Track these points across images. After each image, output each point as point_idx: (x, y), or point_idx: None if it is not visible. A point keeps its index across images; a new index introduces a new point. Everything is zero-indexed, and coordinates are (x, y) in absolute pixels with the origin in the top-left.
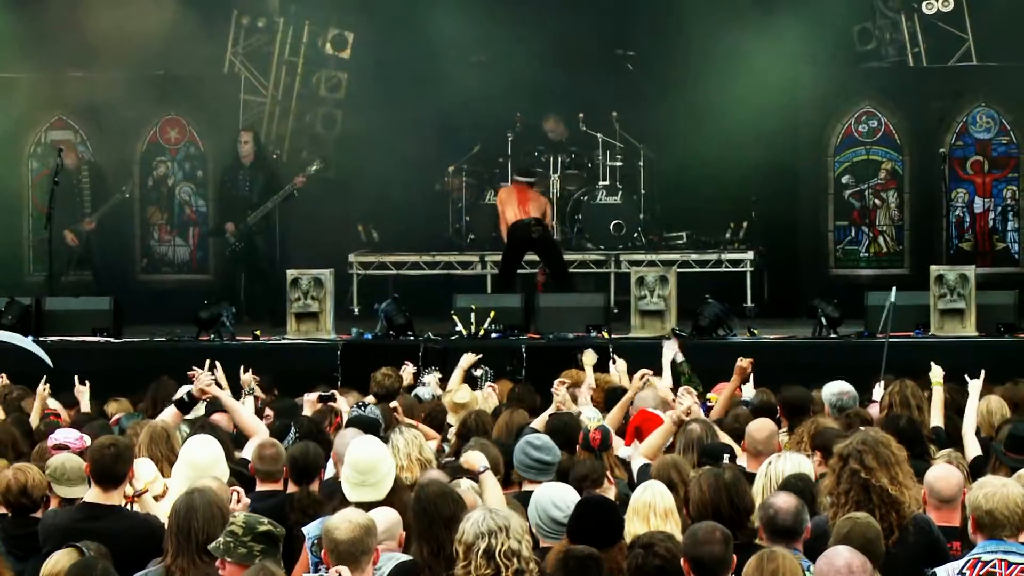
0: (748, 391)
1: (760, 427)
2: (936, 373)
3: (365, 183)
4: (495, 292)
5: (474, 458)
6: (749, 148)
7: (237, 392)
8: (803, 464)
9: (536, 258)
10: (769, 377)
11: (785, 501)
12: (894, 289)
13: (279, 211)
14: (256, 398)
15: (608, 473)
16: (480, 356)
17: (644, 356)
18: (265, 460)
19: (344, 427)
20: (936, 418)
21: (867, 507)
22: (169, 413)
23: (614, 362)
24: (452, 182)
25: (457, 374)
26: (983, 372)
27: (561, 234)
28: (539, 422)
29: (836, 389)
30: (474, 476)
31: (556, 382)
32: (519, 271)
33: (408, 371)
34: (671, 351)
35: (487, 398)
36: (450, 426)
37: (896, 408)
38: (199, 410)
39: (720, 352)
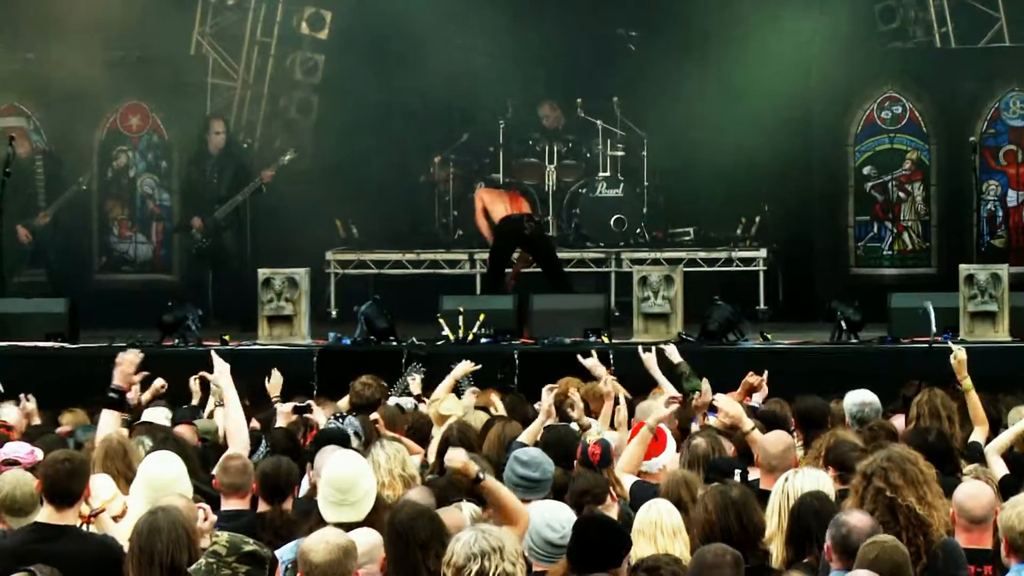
0: (756, 397)
1: (775, 441)
2: (958, 359)
3: (344, 174)
4: (485, 293)
5: (459, 458)
6: (762, 136)
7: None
8: (822, 480)
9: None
10: (783, 386)
11: (860, 519)
12: (929, 304)
13: (249, 205)
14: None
15: (611, 489)
16: (479, 367)
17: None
18: (230, 472)
19: (311, 443)
20: (977, 432)
21: (893, 529)
22: (109, 418)
23: (585, 356)
24: (438, 173)
25: (447, 382)
26: None
27: (557, 230)
28: (528, 434)
29: (858, 399)
30: (472, 495)
31: (546, 388)
32: (509, 270)
33: (416, 381)
34: (652, 360)
35: (492, 407)
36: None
37: (924, 420)
38: (161, 417)
39: (730, 359)
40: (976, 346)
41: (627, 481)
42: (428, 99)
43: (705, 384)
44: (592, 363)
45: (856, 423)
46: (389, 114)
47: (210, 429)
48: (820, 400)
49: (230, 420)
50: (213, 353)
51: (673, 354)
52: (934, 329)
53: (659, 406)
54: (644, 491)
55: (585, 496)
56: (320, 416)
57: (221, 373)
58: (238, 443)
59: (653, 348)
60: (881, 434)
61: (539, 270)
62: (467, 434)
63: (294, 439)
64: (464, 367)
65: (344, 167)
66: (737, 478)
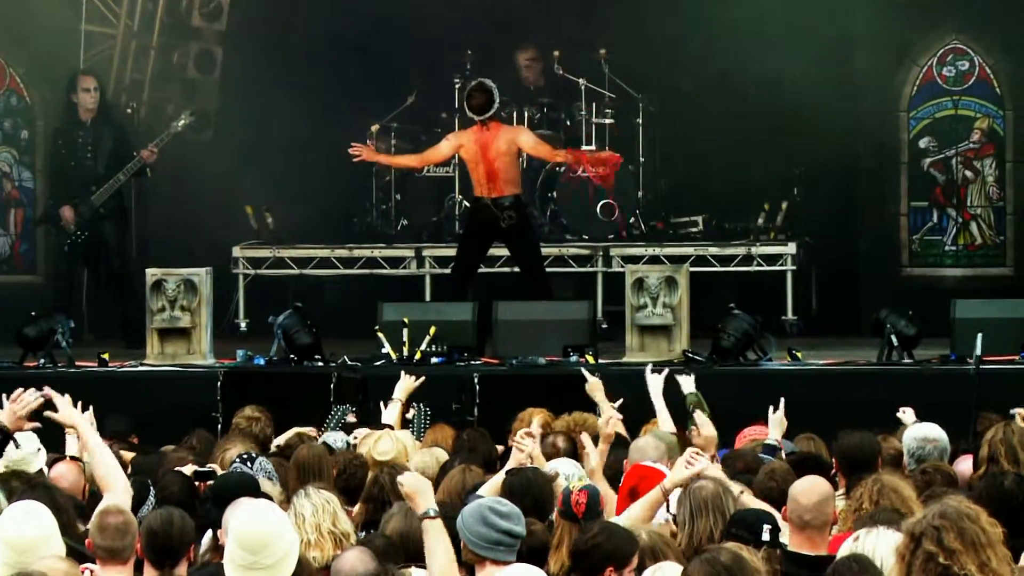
0: (774, 431)
1: (808, 489)
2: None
3: (255, 148)
4: (437, 300)
5: (412, 482)
6: (791, 100)
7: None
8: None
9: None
10: (818, 419)
11: None
12: (979, 336)
13: (134, 188)
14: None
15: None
16: (422, 380)
17: (644, 390)
18: (108, 532)
19: (209, 494)
20: None
21: None
22: None
23: (586, 380)
24: (377, 146)
25: (393, 411)
26: None
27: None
28: (491, 485)
29: (920, 434)
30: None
31: (520, 433)
32: (480, 271)
33: (392, 413)
34: (658, 385)
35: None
36: None
37: (1001, 462)
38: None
39: (750, 384)
40: None
41: None
42: (364, 51)
43: (701, 418)
44: (596, 387)
45: (915, 463)
46: (315, 70)
47: None
48: (869, 436)
49: (98, 464)
50: (48, 390)
51: (686, 384)
52: (977, 353)
53: (678, 462)
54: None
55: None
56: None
57: (65, 409)
58: (118, 490)
59: (665, 371)
60: (936, 479)
61: (509, 270)
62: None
63: (191, 487)
64: (406, 385)
65: (256, 139)
66: (766, 535)
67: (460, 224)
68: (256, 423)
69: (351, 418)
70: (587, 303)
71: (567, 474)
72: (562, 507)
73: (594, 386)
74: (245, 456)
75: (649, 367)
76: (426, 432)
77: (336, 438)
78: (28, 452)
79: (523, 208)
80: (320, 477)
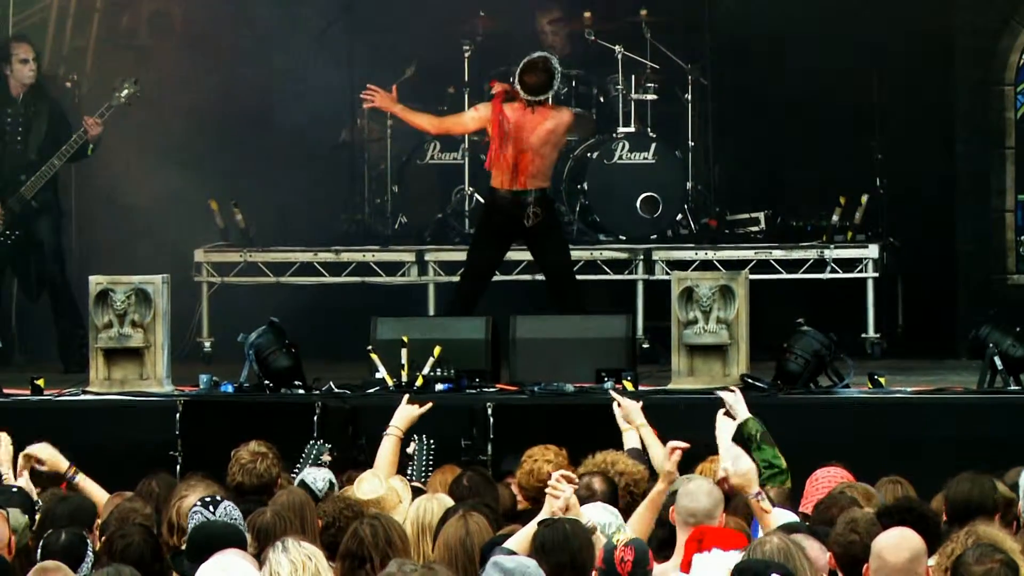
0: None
1: (896, 544)
2: None
3: (223, 130)
4: (443, 314)
5: None
6: (875, 72)
7: None
8: None
9: (525, 255)
10: (906, 457)
11: None
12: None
13: (73, 175)
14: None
15: None
16: (428, 406)
17: (694, 423)
18: None
19: (186, 545)
20: None
21: None
22: None
23: (619, 405)
24: (370, 128)
25: (387, 447)
26: None
27: None
28: (521, 539)
29: None
30: None
31: (556, 475)
32: (494, 278)
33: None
34: (729, 430)
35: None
36: None
37: None
38: None
39: (822, 416)
40: None
41: None
42: (352, 12)
43: (728, 454)
44: (632, 409)
45: None
46: (290, 36)
47: (21, 525)
48: (969, 480)
49: None
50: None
51: (737, 404)
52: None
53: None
54: None
55: None
56: None
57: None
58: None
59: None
60: None
61: (531, 277)
62: (386, 528)
63: (155, 542)
64: (407, 413)
65: (223, 118)
66: None
67: (470, 222)
68: (261, 459)
69: (326, 457)
70: (624, 318)
71: (605, 524)
72: (603, 566)
73: (629, 411)
74: (208, 500)
75: (614, 394)
76: (432, 472)
77: (316, 476)
78: None
79: (551, 203)
80: (302, 529)
